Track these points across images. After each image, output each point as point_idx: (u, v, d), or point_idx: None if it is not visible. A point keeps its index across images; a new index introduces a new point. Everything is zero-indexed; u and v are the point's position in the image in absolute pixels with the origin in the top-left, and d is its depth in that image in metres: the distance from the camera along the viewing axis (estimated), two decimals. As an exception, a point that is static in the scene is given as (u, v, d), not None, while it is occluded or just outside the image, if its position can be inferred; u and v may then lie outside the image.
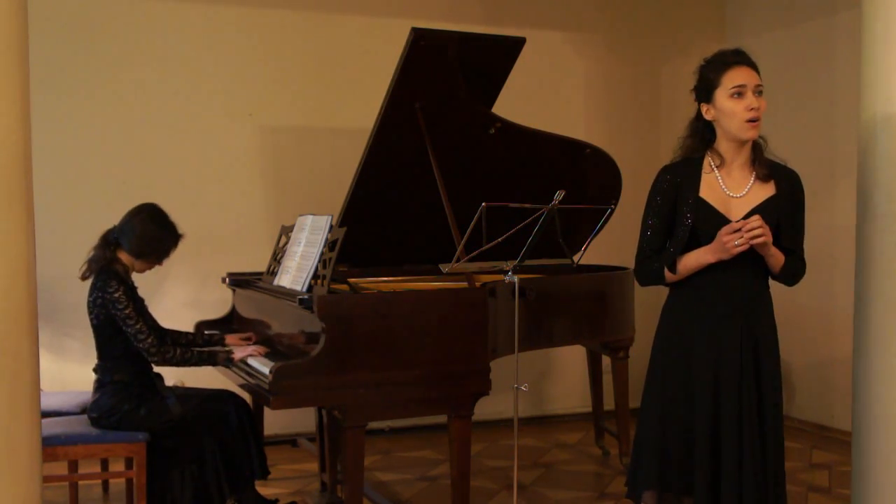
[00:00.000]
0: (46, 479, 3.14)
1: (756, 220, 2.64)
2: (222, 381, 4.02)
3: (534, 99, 5.90)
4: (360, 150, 4.11)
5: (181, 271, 4.92)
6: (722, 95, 2.73)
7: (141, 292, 3.88)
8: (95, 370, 3.80)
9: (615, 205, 4.57)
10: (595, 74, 6.34)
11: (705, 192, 2.77)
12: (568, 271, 4.14)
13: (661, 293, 2.94)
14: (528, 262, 3.39)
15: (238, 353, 3.82)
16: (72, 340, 5.11)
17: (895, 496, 3.21)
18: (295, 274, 3.81)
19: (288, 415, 4.86)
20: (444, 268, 3.34)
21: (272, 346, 3.96)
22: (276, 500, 4.03)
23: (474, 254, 3.33)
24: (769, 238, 2.66)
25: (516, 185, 4.20)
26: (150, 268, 3.88)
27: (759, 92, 2.73)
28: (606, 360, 5.03)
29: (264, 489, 4.17)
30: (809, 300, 5.57)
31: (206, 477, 3.73)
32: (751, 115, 2.70)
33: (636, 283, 3.10)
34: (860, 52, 3.39)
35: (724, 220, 2.72)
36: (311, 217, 3.95)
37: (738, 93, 2.71)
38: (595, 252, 4.02)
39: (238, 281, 4.51)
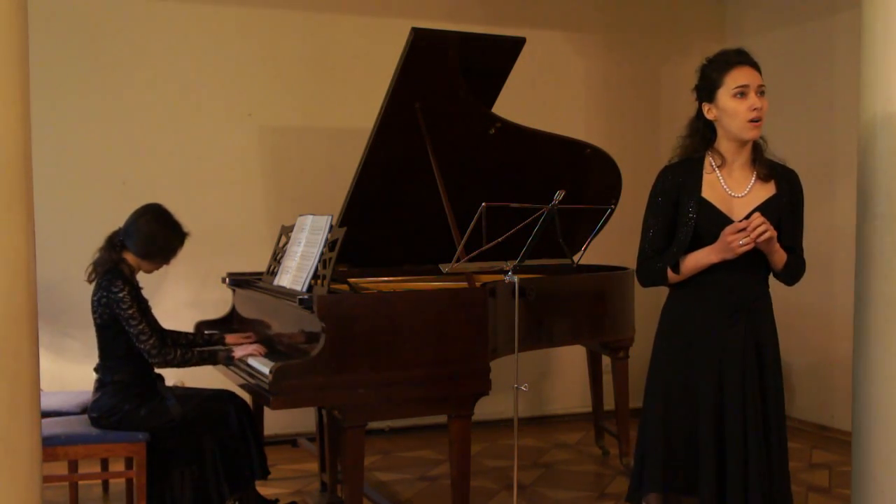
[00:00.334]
0: (46, 479, 3.14)
1: (759, 218, 2.64)
2: (222, 381, 4.03)
3: (534, 99, 5.90)
4: (360, 150, 4.11)
5: (181, 271, 4.92)
6: (724, 95, 2.73)
7: (142, 292, 3.88)
8: (96, 370, 3.80)
9: (615, 205, 4.57)
10: (595, 74, 6.34)
11: (707, 193, 2.77)
12: (568, 271, 4.14)
13: (661, 293, 2.94)
14: (528, 262, 3.39)
15: (238, 352, 3.82)
16: (72, 340, 5.11)
17: (895, 496, 3.21)
18: (295, 274, 3.81)
19: (288, 415, 4.86)
20: (444, 268, 3.34)
21: (272, 346, 3.96)
22: (276, 500, 4.03)
23: (474, 254, 3.33)
24: (774, 233, 2.66)
25: (516, 185, 4.20)
26: (157, 268, 3.89)
27: (761, 92, 2.73)
28: (606, 360, 5.03)
29: (264, 489, 4.18)
30: (809, 300, 5.57)
31: (206, 477, 3.73)
32: (753, 115, 2.71)
33: (636, 283, 3.10)
34: (860, 52, 3.39)
35: (727, 220, 2.72)
36: (311, 217, 3.95)
37: (741, 92, 2.71)
38: (595, 252, 4.02)
39: (238, 281, 4.51)
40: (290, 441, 5.45)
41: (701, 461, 2.73)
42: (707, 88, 2.78)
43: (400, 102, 3.93)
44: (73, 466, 4.04)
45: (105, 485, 4.56)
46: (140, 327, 3.65)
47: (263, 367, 3.55)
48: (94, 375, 3.81)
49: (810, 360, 5.87)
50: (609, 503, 4.44)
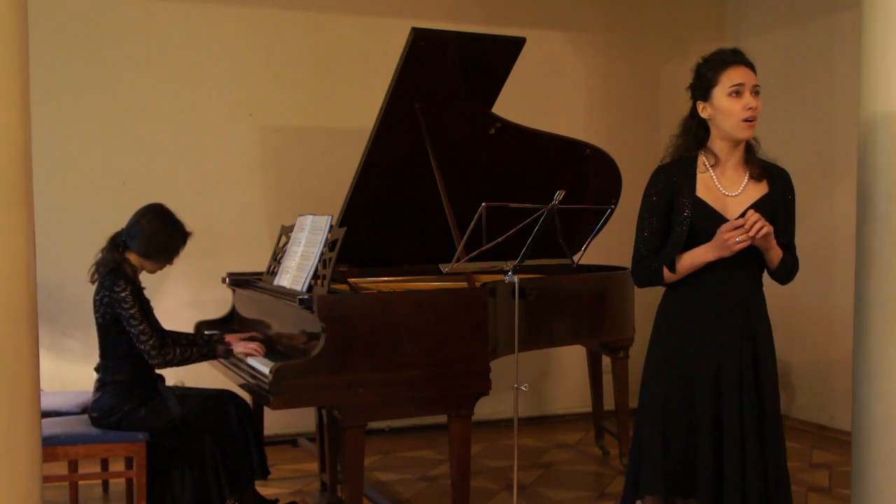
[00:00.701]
0: (46, 479, 3.14)
1: (755, 215, 2.64)
2: (222, 381, 4.03)
3: (534, 99, 5.90)
4: (360, 150, 4.11)
5: (181, 271, 4.90)
6: (720, 94, 2.74)
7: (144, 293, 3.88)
8: (97, 369, 3.80)
9: (615, 205, 4.57)
10: (595, 74, 6.34)
11: (701, 192, 2.78)
12: (568, 271, 4.14)
13: (661, 293, 2.94)
14: (528, 262, 3.39)
15: (238, 347, 3.82)
16: (72, 340, 5.11)
17: (895, 496, 3.21)
18: (295, 274, 3.81)
19: (288, 415, 4.86)
20: (444, 268, 3.34)
21: (272, 346, 3.96)
22: (276, 500, 4.03)
23: (474, 254, 3.33)
24: (771, 228, 2.67)
25: (516, 185, 4.20)
26: (160, 268, 3.89)
27: (756, 92, 2.74)
28: (606, 360, 5.03)
29: (264, 489, 4.17)
30: (809, 300, 5.57)
31: (206, 477, 3.73)
32: (748, 114, 2.71)
33: (636, 283, 3.10)
34: (860, 52, 3.39)
35: (722, 219, 2.73)
36: (311, 217, 3.95)
37: (737, 91, 2.72)
38: (595, 252, 4.02)
39: (238, 281, 4.51)
40: (290, 441, 5.45)
41: (699, 461, 2.73)
42: (702, 87, 2.79)
43: (400, 102, 3.93)
44: (73, 466, 4.04)
45: (105, 485, 4.56)
46: (141, 327, 3.65)
47: (263, 367, 3.55)
48: (94, 375, 3.81)
49: (810, 359, 5.87)
50: (609, 503, 4.44)
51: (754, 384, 2.75)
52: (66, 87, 5.19)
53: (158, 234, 3.79)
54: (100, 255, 3.80)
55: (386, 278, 4.50)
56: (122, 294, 3.65)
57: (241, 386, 3.76)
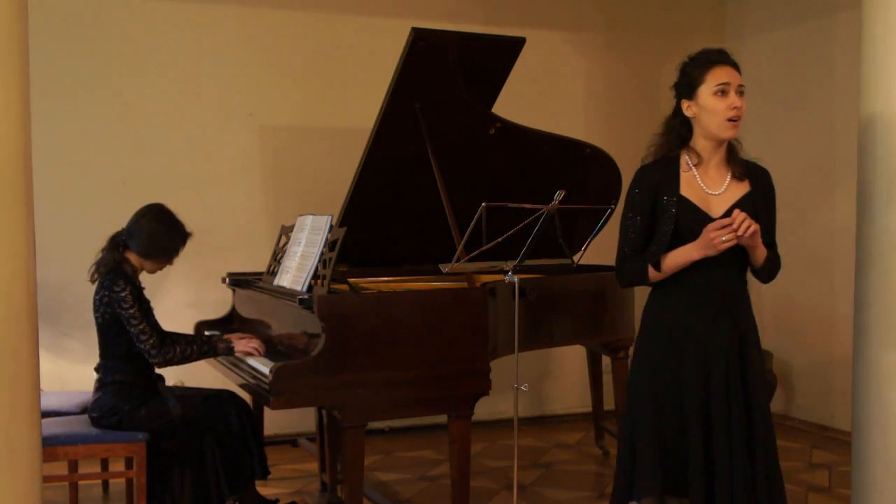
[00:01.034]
0: (46, 479, 3.14)
1: (741, 214, 2.65)
2: (222, 381, 4.03)
3: (534, 99, 5.90)
4: (360, 150, 4.11)
5: (181, 271, 4.90)
6: (705, 92, 2.74)
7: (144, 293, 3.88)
8: (97, 369, 3.80)
9: (615, 205, 4.57)
10: (595, 74, 6.34)
11: (685, 191, 2.79)
12: (568, 271, 4.14)
13: (661, 293, 2.93)
14: (528, 262, 3.39)
15: (239, 346, 3.82)
16: (72, 340, 5.11)
17: (895, 496, 3.22)
18: (295, 274, 3.81)
19: (288, 415, 4.86)
20: (444, 268, 3.34)
21: (272, 346, 3.96)
22: (276, 500, 4.03)
23: (474, 254, 3.33)
24: (757, 226, 2.68)
25: (516, 185, 4.20)
26: (160, 268, 3.89)
27: (741, 92, 2.75)
28: (606, 360, 5.02)
29: (264, 489, 4.18)
30: (809, 300, 5.57)
31: (206, 477, 3.73)
32: (732, 113, 2.73)
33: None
34: (860, 52, 3.39)
35: (707, 218, 2.74)
36: (311, 217, 3.95)
37: (722, 90, 2.73)
38: (595, 252, 4.02)
39: (238, 281, 4.51)
40: (290, 441, 5.45)
41: (690, 460, 2.72)
42: (688, 85, 2.79)
43: (400, 102, 3.93)
44: (73, 466, 4.04)
45: (105, 485, 4.56)
46: (140, 327, 3.65)
47: (263, 367, 3.55)
48: (94, 375, 3.81)
49: (810, 359, 5.86)
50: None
51: (741, 383, 2.76)
52: (66, 87, 5.19)
53: (158, 234, 3.79)
54: (100, 255, 3.80)
55: (386, 278, 4.50)
56: (122, 294, 3.65)
57: (241, 386, 3.76)
